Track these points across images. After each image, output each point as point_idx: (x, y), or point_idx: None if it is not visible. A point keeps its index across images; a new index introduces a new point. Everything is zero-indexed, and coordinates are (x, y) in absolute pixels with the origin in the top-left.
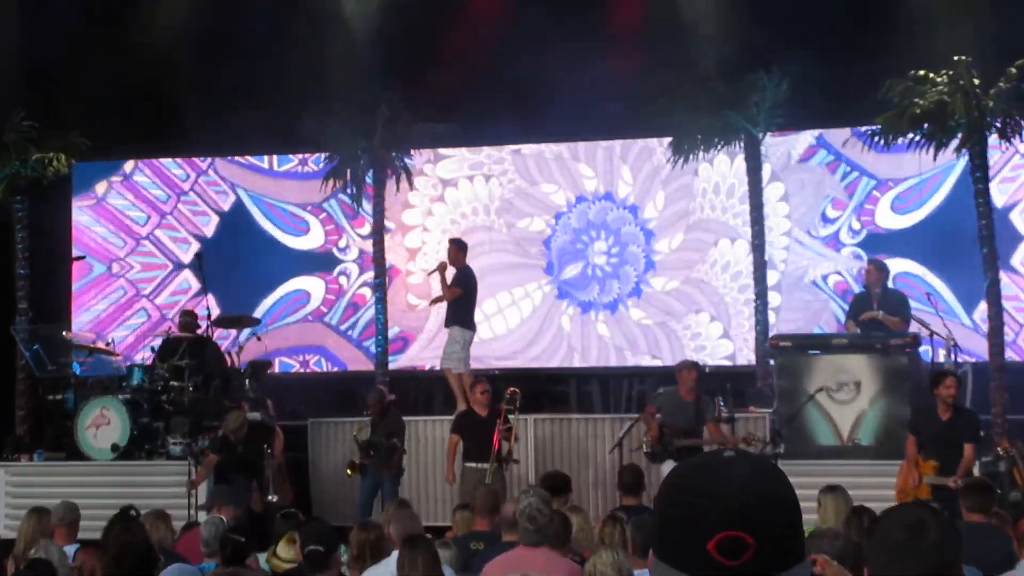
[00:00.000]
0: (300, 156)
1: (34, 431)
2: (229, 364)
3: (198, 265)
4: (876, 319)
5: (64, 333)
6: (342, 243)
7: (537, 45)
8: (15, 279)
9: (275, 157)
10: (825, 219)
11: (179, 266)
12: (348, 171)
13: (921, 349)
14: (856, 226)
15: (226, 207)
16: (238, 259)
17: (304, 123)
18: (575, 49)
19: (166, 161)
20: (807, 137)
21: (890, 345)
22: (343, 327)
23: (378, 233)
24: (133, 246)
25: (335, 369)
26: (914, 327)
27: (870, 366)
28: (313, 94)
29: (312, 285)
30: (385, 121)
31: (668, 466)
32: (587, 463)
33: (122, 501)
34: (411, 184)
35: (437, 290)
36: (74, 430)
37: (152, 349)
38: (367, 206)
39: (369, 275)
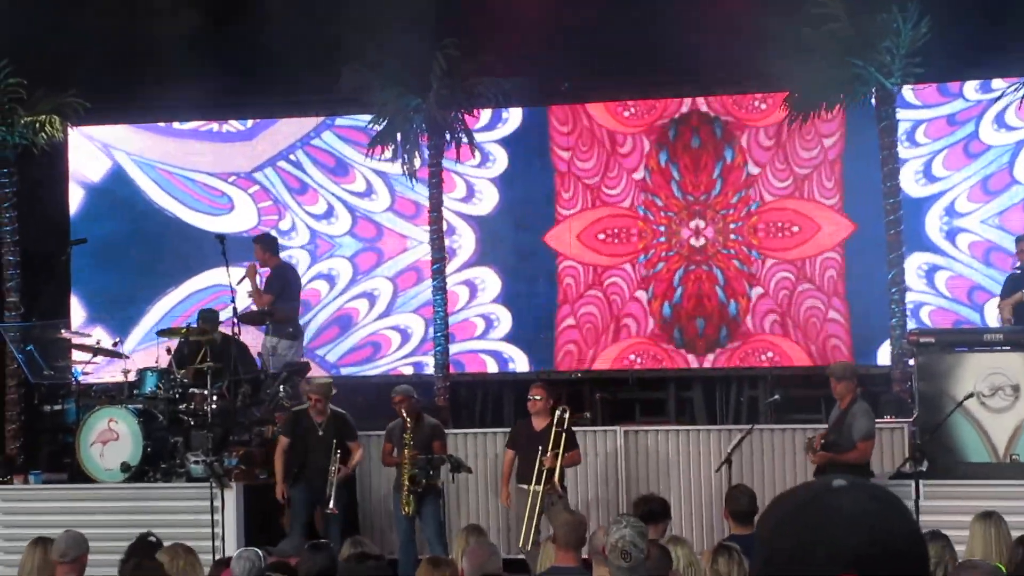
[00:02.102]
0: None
1: (29, 448)
2: (259, 367)
3: (220, 250)
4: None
5: (62, 332)
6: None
7: None
8: (3, 268)
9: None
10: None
11: None
12: (398, 135)
13: None
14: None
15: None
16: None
17: (344, 77)
18: None
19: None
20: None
21: None
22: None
23: (436, 210)
24: None
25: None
26: None
27: None
28: (353, 44)
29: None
30: (442, 74)
31: None
32: (688, 484)
33: (135, 531)
34: (473, 150)
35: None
36: (76, 447)
37: (168, 350)
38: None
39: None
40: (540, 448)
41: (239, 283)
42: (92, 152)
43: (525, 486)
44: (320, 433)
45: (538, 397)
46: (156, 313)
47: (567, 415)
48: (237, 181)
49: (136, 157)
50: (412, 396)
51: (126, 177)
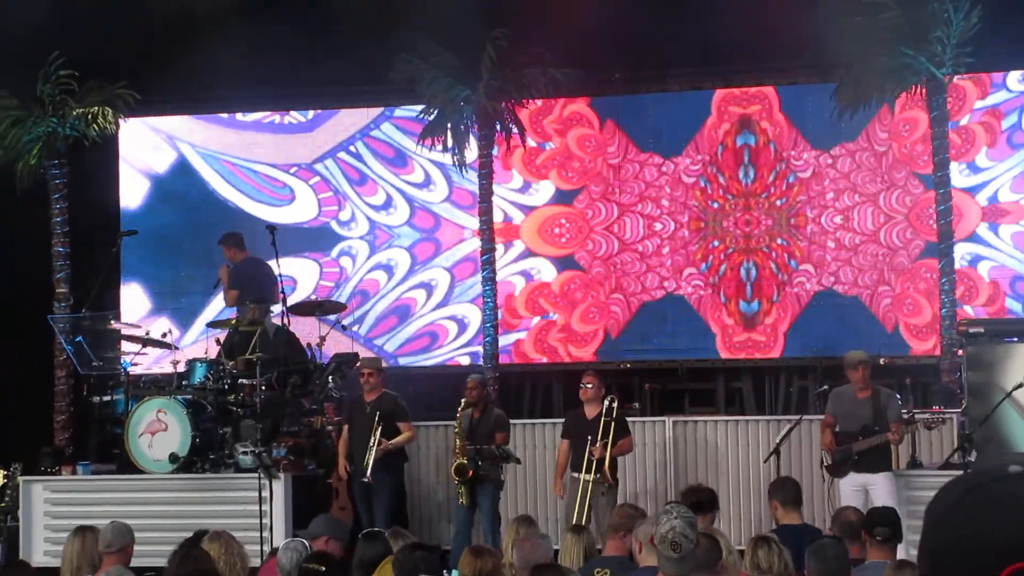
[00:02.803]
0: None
1: (78, 439)
2: (309, 358)
3: (271, 240)
4: None
5: (112, 322)
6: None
7: None
8: (53, 259)
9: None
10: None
11: None
12: (448, 125)
13: None
14: None
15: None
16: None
17: (395, 69)
18: None
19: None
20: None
21: None
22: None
23: (486, 200)
24: None
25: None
26: None
27: None
28: (403, 32)
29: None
30: (492, 65)
31: (851, 480)
32: (736, 474)
33: (183, 522)
34: (524, 142)
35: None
36: (125, 438)
37: (217, 341)
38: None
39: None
40: (590, 438)
41: (215, 287)
42: (155, 143)
43: (577, 475)
44: (367, 411)
45: (589, 385)
46: (214, 306)
47: (615, 404)
48: (298, 172)
49: (200, 148)
50: (484, 385)
51: (190, 168)
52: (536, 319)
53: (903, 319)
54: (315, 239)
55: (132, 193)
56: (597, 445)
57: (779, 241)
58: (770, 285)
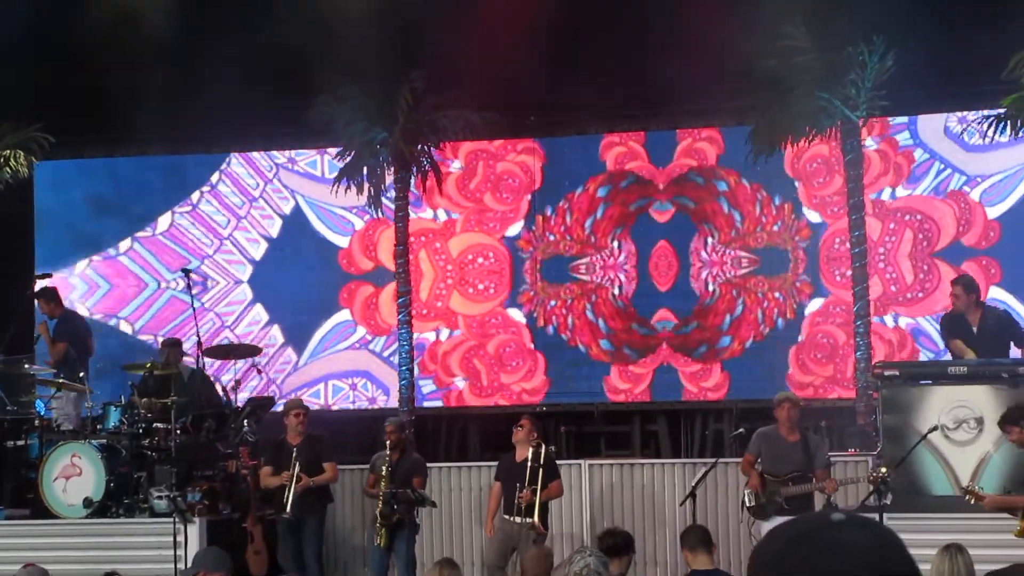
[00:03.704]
0: (311, 151)
1: None
2: (224, 402)
3: (186, 284)
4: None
5: (26, 366)
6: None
7: (589, 15)
8: None
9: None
10: None
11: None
12: (364, 168)
13: None
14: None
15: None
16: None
17: (313, 110)
18: (633, 17)
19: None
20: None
21: (1020, 374)
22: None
23: (402, 243)
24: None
25: (363, 404)
26: None
27: (995, 399)
28: (320, 75)
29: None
30: (408, 108)
31: (774, 523)
32: (653, 517)
33: (97, 567)
34: (439, 184)
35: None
36: (39, 482)
37: (131, 384)
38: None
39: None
40: (518, 484)
41: (35, 342)
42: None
43: (508, 516)
44: (293, 454)
45: (521, 427)
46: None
47: (543, 450)
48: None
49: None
50: (402, 429)
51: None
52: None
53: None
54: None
55: (47, 234)
56: (526, 491)
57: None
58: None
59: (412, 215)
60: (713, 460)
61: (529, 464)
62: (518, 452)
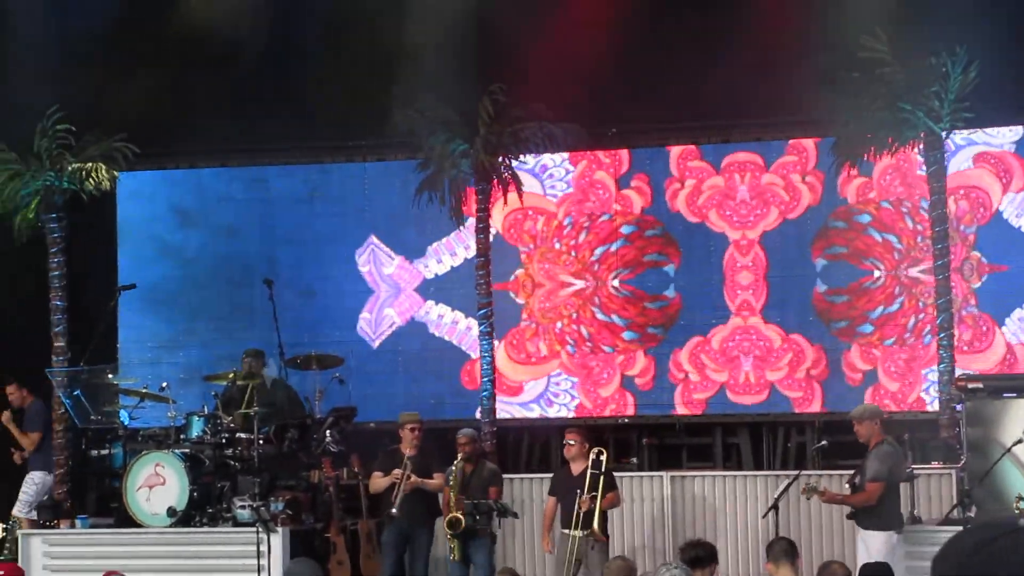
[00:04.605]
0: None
1: (76, 493)
2: (307, 412)
3: (268, 293)
4: None
5: (109, 376)
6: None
7: (669, 28)
8: (51, 312)
9: None
10: None
11: None
12: (446, 180)
13: None
14: None
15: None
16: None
17: (395, 122)
18: (713, 30)
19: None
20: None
21: None
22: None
23: (484, 254)
24: None
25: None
26: None
27: None
28: (401, 87)
29: None
30: (489, 119)
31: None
32: (735, 529)
33: (182, 575)
34: (520, 195)
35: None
36: (123, 491)
37: (214, 394)
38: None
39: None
40: (578, 491)
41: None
42: (154, 196)
43: (567, 531)
44: (405, 458)
45: (572, 442)
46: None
47: (603, 457)
48: None
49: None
50: (476, 440)
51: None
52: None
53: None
54: None
55: (130, 246)
56: (585, 498)
57: None
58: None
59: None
60: (796, 472)
61: (589, 471)
62: (573, 467)
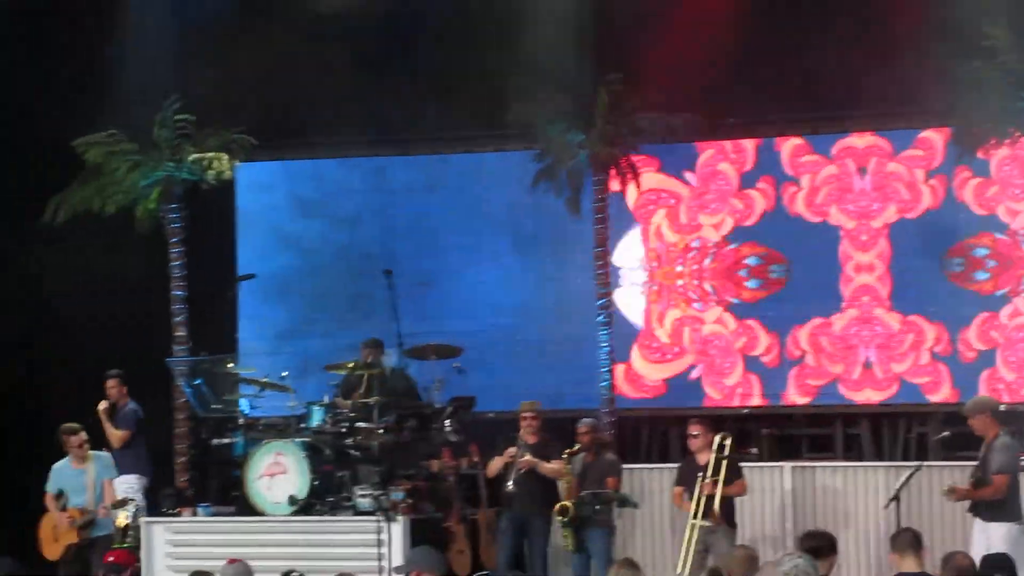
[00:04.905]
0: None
1: (197, 481)
2: (426, 401)
3: (387, 283)
4: None
5: (230, 365)
6: None
7: (790, 17)
8: (171, 302)
9: None
10: None
11: None
12: (563, 171)
13: None
14: None
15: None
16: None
17: (512, 113)
18: (830, 19)
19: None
20: None
21: None
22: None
23: (602, 245)
24: None
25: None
26: None
27: None
28: (519, 78)
29: None
30: (607, 110)
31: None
32: (854, 520)
33: (301, 564)
34: (638, 185)
35: None
36: (244, 480)
37: (334, 384)
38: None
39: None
40: (699, 475)
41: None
42: (272, 186)
43: (693, 521)
44: (523, 445)
45: (696, 433)
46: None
47: (728, 442)
48: None
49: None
50: (596, 430)
51: (308, 211)
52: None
53: None
54: None
55: (249, 236)
56: (707, 481)
57: None
58: None
59: None
60: (917, 464)
61: (714, 455)
62: (699, 458)
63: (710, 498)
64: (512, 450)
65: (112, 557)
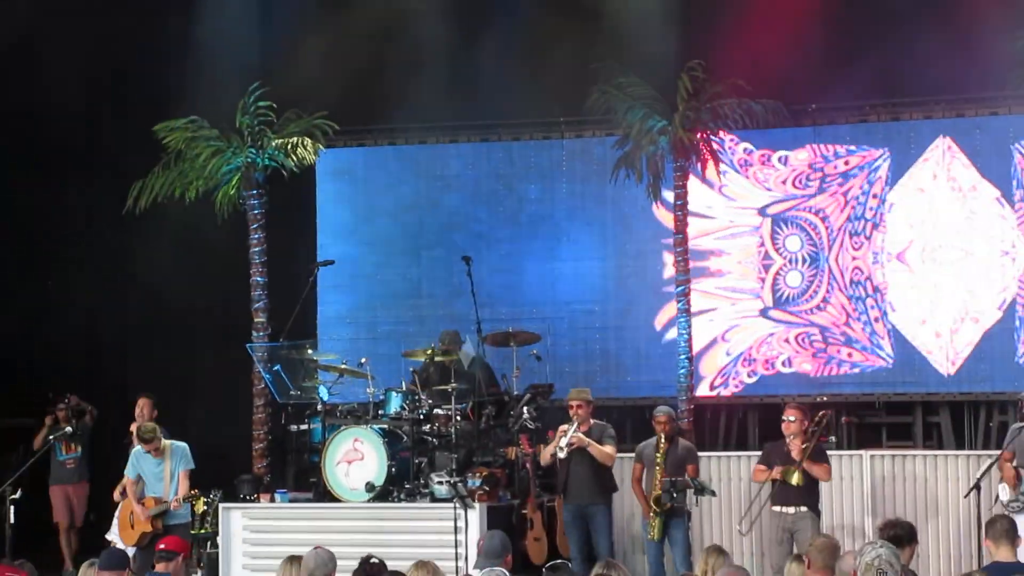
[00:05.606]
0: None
1: (276, 467)
2: (504, 388)
3: (466, 270)
4: None
5: (309, 351)
6: None
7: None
8: (251, 288)
9: None
10: None
11: None
12: (644, 157)
13: None
14: None
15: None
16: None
17: (592, 98)
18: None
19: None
20: None
21: None
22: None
23: (681, 231)
24: None
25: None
26: None
27: None
28: (599, 63)
29: None
30: (688, 95)
31: None
32: (934, 509)
33: (379, 550)
34: (718, 171)
35: None
36: (322, 466)
37: (411, 370)
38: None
39: None
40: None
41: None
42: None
43: (778, 508)
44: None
45: (792, 418)
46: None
47: (825, 420)
48: None
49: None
50: (673, 418)
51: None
52: None
53: None
54: None
55: (329, 223)
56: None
57: None
58: None
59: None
60: (998, 452)
61: (810, 429)
62: (791, 443)
63: (788, 484)
64: (563, 427)
65: (164, 544)
